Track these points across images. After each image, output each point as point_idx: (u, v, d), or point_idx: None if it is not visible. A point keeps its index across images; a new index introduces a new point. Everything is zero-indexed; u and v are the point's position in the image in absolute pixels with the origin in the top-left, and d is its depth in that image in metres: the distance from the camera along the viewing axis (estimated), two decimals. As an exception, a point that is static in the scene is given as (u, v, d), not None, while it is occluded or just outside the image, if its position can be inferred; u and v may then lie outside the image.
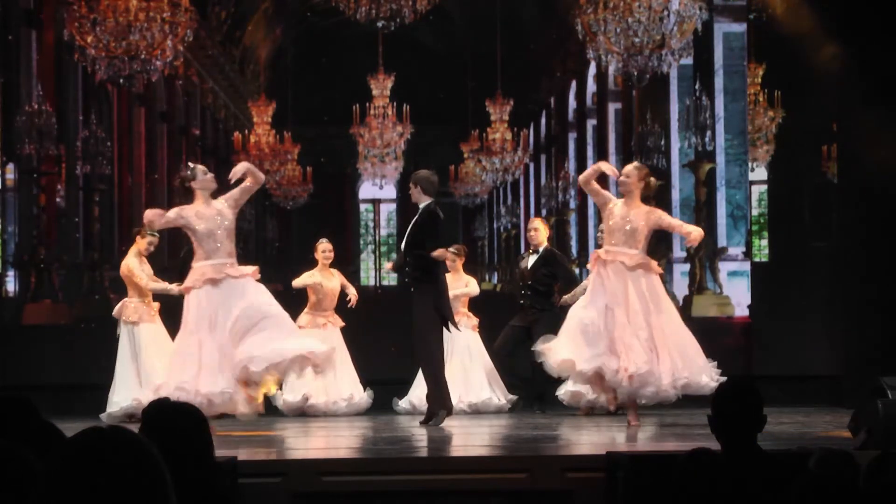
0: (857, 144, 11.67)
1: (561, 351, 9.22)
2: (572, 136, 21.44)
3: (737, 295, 15.98)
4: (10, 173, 16.26)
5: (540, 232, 11.63)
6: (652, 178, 9.62)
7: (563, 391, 11.03)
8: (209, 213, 8.80)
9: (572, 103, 21.53)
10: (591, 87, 20.54)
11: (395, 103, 19.54)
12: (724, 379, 9.56)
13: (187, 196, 8.94)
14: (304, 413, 11.21)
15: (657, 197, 17.32)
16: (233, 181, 8.90)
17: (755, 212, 18.93)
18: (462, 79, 20.95)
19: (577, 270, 15.67)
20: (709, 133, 16.28)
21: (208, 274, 8.67)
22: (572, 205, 20.55)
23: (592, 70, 19.65)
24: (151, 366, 10.51)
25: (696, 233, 9.39)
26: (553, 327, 10.27)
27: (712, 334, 14.95)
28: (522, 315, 11.48)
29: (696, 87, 16.39)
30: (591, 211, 20.27)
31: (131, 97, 18.00)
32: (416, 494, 6.52)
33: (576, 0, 14.97)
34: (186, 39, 14.66)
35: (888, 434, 6.66)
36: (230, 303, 8.63)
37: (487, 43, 20.32)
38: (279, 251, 21.71)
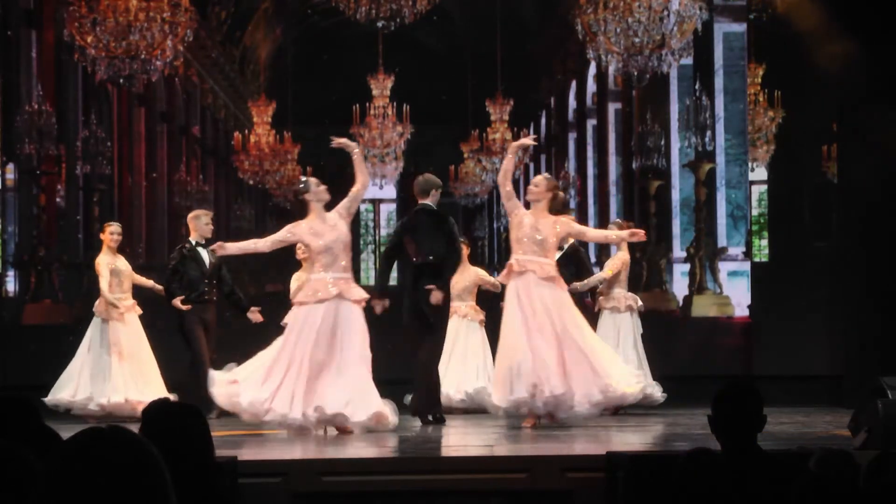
0: (857, 144, 11.67)
1: (494, 394, 9.18)
2: (572, 136, 21.44)
3: (737, 295, 15.98)
4: (10, 173, 16.27)
5: None
6: (561, 193, 9.54)
7: None
8: (324, 228, 8.79)
9: (572, 103, 21.53)
10: (591, 87, 20.54)
11: (395, 103, 19.55)
12: (641, 383, 9.58)
13: (303, 209, 8.88)
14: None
15: (657, 197, 17.39)
16: (334, 145, 8.90)
17: (755, 212, 18.94)
18: (462, 79, 20.95)
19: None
20: (709, 133, 16.28)
21: (322, 293, 8.65)
22: (572, 204, 20.55)
23: (592, 70, 19.65)
24: (106, 364, 10.62)
25: (622, 237, 9.50)
26: None
27: (712, 334, 14.99)
28: None
29: (696, 87, 16.38)
30: (591, 211, 20.29)
31: (131, 97, 18.00)
32: (416, 494, 6.52)
33: (576, 0, 14.97)
34: (186, 39, 14.66)
35: (888, 434, 6.65)
36: (334, 328, 8.64)
37: (487, 43, 20.31)
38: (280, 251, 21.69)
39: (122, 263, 11.06)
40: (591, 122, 20.58)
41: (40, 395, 10.57)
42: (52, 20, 16.03)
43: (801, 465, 3.99)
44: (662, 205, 17.32)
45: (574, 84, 21.32)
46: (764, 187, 18.58)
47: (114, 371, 10.75)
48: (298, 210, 9.18)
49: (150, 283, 11.25)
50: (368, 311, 9.08)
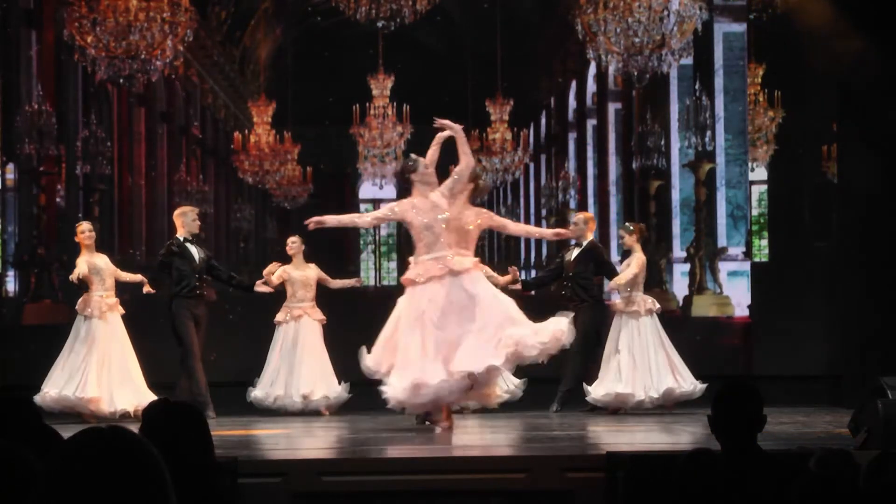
0: (857, 144, 11.67)
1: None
2: (572, 136, 21.42)
3: (737, 295, 15.97)
4: (10, 173, 16.26)
5: (580, 226, 11.67)
6: (481, 181, 9.48)
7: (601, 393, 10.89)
8: (426, 206, 8.75)
9: (572, 103, 21.52)
10: (591, 87, 20.52)
11: (395, 103, 19.54)
12: (550, 345, 8.90)
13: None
14: (272, 411, 11.16)
15: (657, 197, 17.39)
16: (437, 124, 8.88)
17: (755, 212, 18.92)
18: (462, 79, 20.95)
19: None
20: (709, 133, 16.28)
21: (431, 271, 8.57)
22: (572, 204, 20.54)
23: (592, 70, 19.63)
24: (82, 360, 10.61)
25: (545, 234, 9.47)
26: (592, 319, 10.42)
27: (712, 334, 14.98)
28: (563, 307, 11.46)
29: (696, 87, 16.38)
30: (591, 211, 20.27)
31: (131, 97, 17.99)
32: (416, 494, 6.52)
33: (576, 0, 14.97)
34: (186, 39, 14.66)
35: (888, 434, 6.66)
36: (452, 296, 8.51)
37: (487, 43, 20.30)
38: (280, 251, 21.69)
39: (102, 261, 11.07)
40: (591, 122, 20.57)
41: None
42: (51, 20, 16.02)
43: (801, 465, 3.99)
44: (662, 205, 17.31)
45: (574, 84, 21.31)
46: (764, 187, 18.57)
47: (89, 368, 10.67)
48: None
49: (134, 276, 11.28)
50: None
